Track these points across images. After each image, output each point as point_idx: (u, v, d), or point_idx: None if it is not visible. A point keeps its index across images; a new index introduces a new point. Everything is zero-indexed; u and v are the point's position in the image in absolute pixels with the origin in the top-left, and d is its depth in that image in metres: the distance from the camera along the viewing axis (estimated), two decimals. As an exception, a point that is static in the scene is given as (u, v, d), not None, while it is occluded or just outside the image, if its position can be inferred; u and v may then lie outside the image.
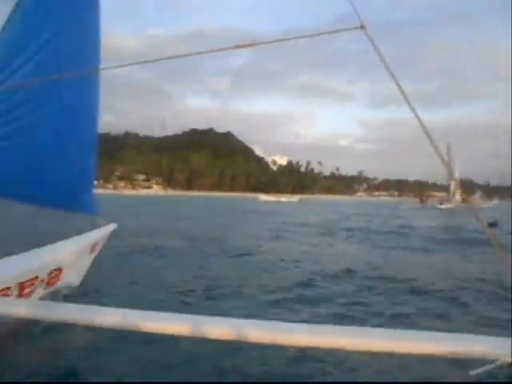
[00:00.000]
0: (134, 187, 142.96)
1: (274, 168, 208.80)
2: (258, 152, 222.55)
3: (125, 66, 2.77)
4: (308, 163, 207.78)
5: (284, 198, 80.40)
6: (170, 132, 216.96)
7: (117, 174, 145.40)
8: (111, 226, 5.26)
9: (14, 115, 3.34)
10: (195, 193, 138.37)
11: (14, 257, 4.02)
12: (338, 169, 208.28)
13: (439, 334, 1.77)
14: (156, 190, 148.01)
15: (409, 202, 77.59)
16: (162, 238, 12.27)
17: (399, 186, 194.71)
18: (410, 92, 2.06)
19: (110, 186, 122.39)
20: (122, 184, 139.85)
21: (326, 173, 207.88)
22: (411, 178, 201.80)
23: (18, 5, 3.39)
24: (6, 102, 3.27)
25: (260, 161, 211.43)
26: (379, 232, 17.83)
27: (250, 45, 2.37)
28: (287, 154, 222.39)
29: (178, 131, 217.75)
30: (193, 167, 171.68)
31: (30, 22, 3.41)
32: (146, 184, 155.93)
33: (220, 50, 2.38)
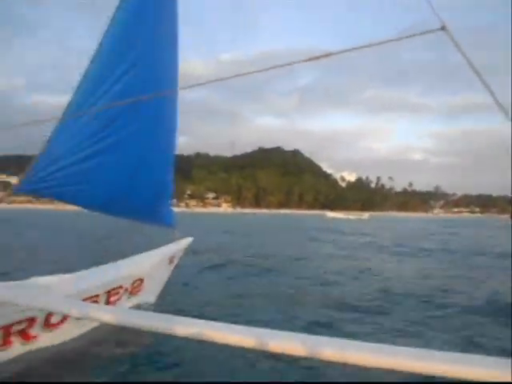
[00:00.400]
0: (204, 205, 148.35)
1: (343, 185, 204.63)
2: (326, 169, 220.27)
3: (200, 84, 2.85)
4: (378, 179, 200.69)
5: (352, 215, 78.04)
6: (238, 151, 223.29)
7: (188, 193, 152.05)
8: (187, 240, 5.48)
9: (104, 134, 3.67)
10: (263, 210, 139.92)
11: (102, 267, 4.35)
12: (410, 184, 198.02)
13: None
14: (225, 207, 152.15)
15: (494, 218, 68.02)
16: (238, 254, 12.17)
17: (481, 202, 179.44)
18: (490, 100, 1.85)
19: (182, 204, 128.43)
20: (193, 202, 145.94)
21: (398, 189, 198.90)
22: (495, 192, 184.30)
23: (106, 32, 3.75)
24: (97, 122, 3.60)
25: (328, 177, 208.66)
26: (472, 253, 14.59)
27: (325, 55, 2.33)
28: (356, 170, 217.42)
29: (247, 150, 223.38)
30: (260, 185, 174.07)
31: (116, 46, 3.77)
32: (216, 202, 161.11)
33: (293, 63, 2.39)
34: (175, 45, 4.64)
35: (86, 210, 3.97)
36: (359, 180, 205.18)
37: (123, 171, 3.96)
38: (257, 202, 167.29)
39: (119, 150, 3.83)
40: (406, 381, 2.75)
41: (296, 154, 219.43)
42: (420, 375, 1.58)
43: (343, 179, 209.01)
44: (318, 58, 2.33)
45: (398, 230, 34.40)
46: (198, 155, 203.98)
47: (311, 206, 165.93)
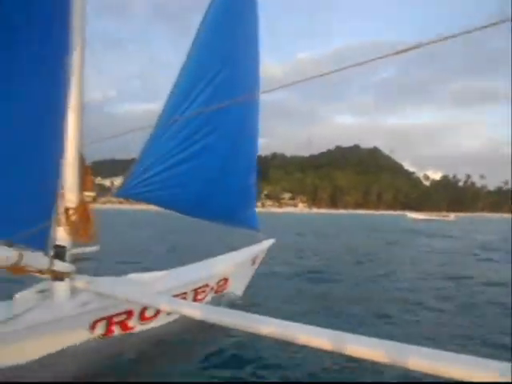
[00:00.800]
0: (280, 205, 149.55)
1: (427, 183, 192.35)
2: (408, 167, 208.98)
3: (283, 87, 2.83)
4: (468, 177, 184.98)
5: (436, 216, 72.57)
6: (315, 150, 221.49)
7: (265, 193, 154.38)
8: (269, 241, 5.56)
9: (192, 140, 3.86)
10: (340, 211, 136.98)
11: (190, 266, 4.59)
12: (506, 182, 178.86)
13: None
14: (300, 208, 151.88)
15: None
16: (321, 257, 11.53)
17: None
18: None
19: (259, 204, 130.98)
20: (269, 202, 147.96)
21: (491, 187, 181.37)
22: None
23: (193, 43, 3.94)
24: (187, 128, 3.81)
25: (410, 176, 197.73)
26: None
27: (415, 47, 2.18)
28: (442, 168, 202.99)
29: (323, 149, 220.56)
30: (337, 185, 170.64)
31: (203, 55, 3.94)
32: (292, 202, 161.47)
33: (377, 58, 2.27)
34: (257, 48, 4.74)
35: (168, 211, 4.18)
36: (445, 178, 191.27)
37: (210, 175, 4.13)
38: (333, 202, 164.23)
39: (207, 155, 4.01)
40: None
41: (374, 151, 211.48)
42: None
43: (427, 177, 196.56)
44: (405, 51, 2.20)
45: (491, 232, 31.01)
46: (274, 156, 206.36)
47: (390, 207, 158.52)
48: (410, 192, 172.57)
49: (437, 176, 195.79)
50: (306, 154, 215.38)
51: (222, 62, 4.02)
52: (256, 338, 2.39)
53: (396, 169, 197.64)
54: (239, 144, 4.41)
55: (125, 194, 3.65)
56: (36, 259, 2.71)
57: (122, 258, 9.32)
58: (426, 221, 58.40)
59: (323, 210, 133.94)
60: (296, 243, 15.62)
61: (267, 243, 5.48)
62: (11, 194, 2.58)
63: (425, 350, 1.77)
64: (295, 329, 2.10)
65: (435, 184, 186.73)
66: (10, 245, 2.55)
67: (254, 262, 5.23)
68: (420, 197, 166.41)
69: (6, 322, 2.60)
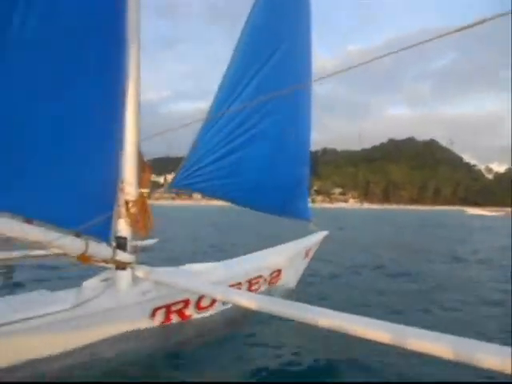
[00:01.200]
0: (330, 201, 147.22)
1: (489, 177, 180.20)
2: (469, 159, 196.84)
3: (336, 74, 2.75)
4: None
5: (498, 212, 67.30)
6: (367, 144, 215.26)
7: (315, 188, 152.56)
8: (323, 233, 5.48)
9: (245, 127, 3.92)
10: (393, 206, 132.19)
11: (244, 257, 4.66)
12: None
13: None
14: (351, 203, 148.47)
15: None
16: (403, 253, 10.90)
17: None
18: None
19: (309, 199, 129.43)
20: (319, 198, 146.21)
21: None
22: None
23: (241, 35, 3.97)
24: (236, 119, 3.87)
25: (470, 169, 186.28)
26: None
27: (479, 23, 2.00)
28: (507, 160, 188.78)
29: (376, 143, 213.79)
30: (390, 179, 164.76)
31: (255, 40, 3.98)
32: (343, 198, 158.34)
33: (436, 37, 2.14)
34: (309, 35, 4.70)
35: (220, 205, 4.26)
36: (511, 171, 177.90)
37: (262, 165, 4.15)
38: (386, 197, 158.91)
39: (258, 144, 4.03)
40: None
41: (431, 144, 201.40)
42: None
43: (490, 170, 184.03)
44: (467, 27, 2.04)
45: None
46: (324, 151, 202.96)
47: (448, 202, 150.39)
48: (471, 186, 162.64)
49: (501, 169, 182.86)
50: (357, 148, 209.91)
51: (273, 48, 4.04)
52: (313, 330, 2.35)
53: (455, 162, 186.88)
54: (292, 133, 4.40)
55: (177, 185, 3.76)
56: (100, 249, 2.88)
57: (179, 249, 9.67)
58: (489, 217, 54.29)
59: (375, 206, 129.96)
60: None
61: (320, 235, 5.41)
62: (78, 187, 2.75)
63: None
64: (354, 321, 2.05)
65: (499, 177, 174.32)
66: (77, 235, 2.72)
67: (307, 255, 5.19)
68: (481, 191, 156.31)
69: (75, 308, 2.79)
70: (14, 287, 4.96)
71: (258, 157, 4.07)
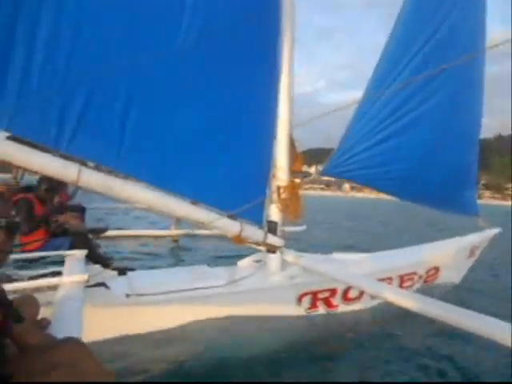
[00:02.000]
0: (503, 198, 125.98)
1: None
2: None
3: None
4: None
5: None
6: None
7: (483, 182, 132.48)
8: (493, 231, 4.76)
9: (398, 115, 3.63)
10: None
11: (396, 251, 4.36)
12: None
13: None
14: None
15: None
16: None
17: None
18: None
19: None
20: (487, 194, 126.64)
21: None
22: None
23: (398, 16, 3.66)
24: (391, 104, 3.60)
25: None
26: None
27: None
28: None
29: None
30: None
31: (410, 24, 3.64)
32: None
33: None
34: (484, 5, 4.06)
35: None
36: None
37: (417, 153, 3.79)
38: None
39: (414, 130, 3.69)
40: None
41: None
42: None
43: None
44: None
45: None
46: (499, 138, 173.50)
47: None
48: None
49: None
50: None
51: (436, 25, 3.62)
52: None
53: None
54: (456, 117, 3.88)
55: (328, 173, 3.73)
56: (253, 232, 3.05)
57: (327, 238, 9.67)
58: None
59: None
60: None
61: (490, 233, 4.71)
62: (235, 172, 2.95)
63: None
64: None
65: None
66: (233, 218, 2.94)
67: (472, 253, 4.57)
68: None
69: (230, 284, 3.04)
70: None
71: (417, 143, 3.73)
